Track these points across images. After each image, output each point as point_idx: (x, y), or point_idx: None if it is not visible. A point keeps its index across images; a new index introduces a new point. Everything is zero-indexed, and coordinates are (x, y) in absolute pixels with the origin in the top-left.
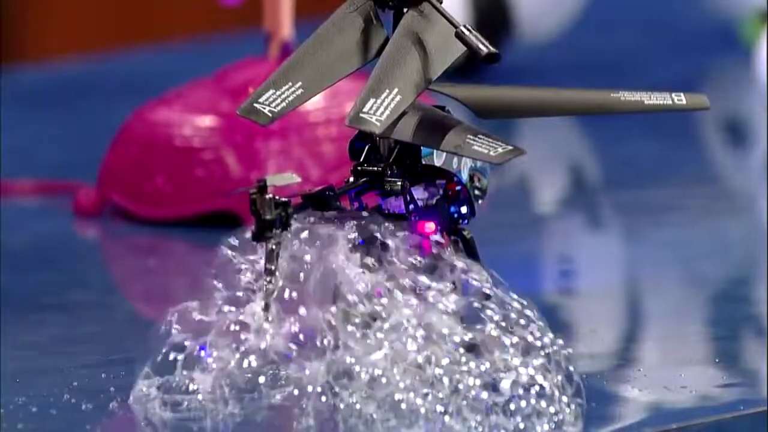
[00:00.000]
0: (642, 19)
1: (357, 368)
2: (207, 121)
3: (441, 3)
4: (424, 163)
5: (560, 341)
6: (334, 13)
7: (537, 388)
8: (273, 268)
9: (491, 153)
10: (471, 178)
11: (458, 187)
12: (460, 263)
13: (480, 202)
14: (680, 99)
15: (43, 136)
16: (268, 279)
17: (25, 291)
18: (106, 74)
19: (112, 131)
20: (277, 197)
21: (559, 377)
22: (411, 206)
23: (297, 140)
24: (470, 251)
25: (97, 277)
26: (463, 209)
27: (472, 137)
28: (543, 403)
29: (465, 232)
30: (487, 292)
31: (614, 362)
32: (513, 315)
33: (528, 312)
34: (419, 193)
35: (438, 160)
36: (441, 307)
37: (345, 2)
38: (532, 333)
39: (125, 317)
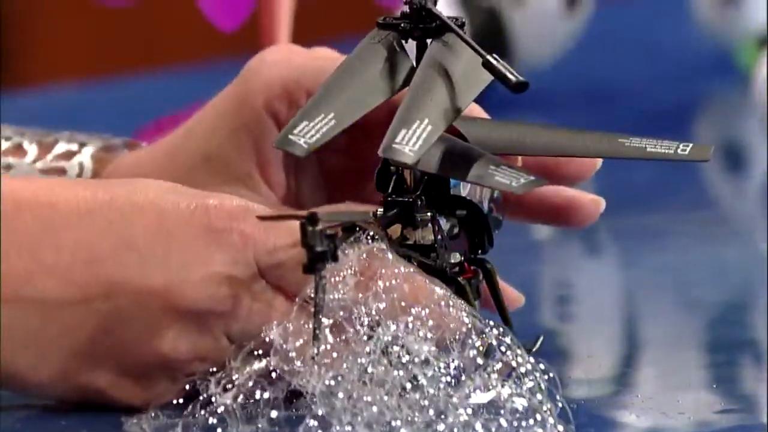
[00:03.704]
0: (639, 44)
1: (340, 394)
2: None
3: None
4: (452, 194)
5: (542, 366)
6: (358, 45)
7: (524, 412)
8: (321, 302)
9: (513, 184)
10: (490, 209)
11: (480, 217)
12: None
13: (496, 232)
14: (684, 150)
15: None
16: (316, 314)
17: None
18: (103, 100)
19: None
20: (327, 229)
21: (549, 404)
22: (438, 237)
23: None
24: (491, 282)
25: None
26: (485, 240)
27: (494, 168)
28: (536, 429)
29: (487, 263)
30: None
31: (611, 388)
32: (493, 342)
33: (507, 339)
34: (443, 224)
35: (464, 190)
36: (421, 334)
37: (368, 34)
38: (514, 359)
39: None
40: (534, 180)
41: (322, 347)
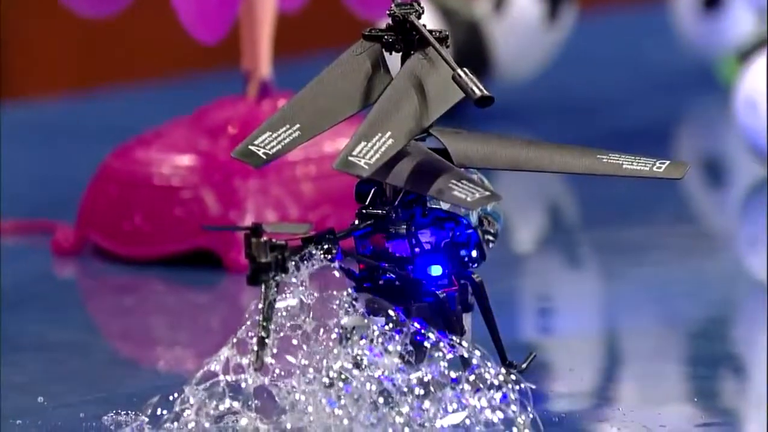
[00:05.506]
0: (620, 57)
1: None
2: (186, 160)
3: (448, 47)
4: (431, 206)
5: (513, 377)
6: (341, 56)
7: (500, 426)
8: (268, 314)
9: (468, 198)
10: (481, 221)
11: (468, 231)
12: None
13: (491, 246)
14: (659, 168)
15: (23, 174)
16: (262, 325)
17: (3, 330)
18: (86, 114)
19: (91, 170)
20: (273, 240)
21: (522, 415)
22: (416, 249)
23: (276, 179)
24: (479, 295)
25: (75, 317)
26: (473, 253)
27: (455, 182)
28: None
29: (474, 276)
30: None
31: (593, 402)
32: (465, 355)
33: (477, 352)
34: (426, 237)
35: (445, 203)
36: (390, 348)
37: (352, 45)
38: (487, 372)
39: (104, 357)
40: (489, 195)
41: (267, 359)
